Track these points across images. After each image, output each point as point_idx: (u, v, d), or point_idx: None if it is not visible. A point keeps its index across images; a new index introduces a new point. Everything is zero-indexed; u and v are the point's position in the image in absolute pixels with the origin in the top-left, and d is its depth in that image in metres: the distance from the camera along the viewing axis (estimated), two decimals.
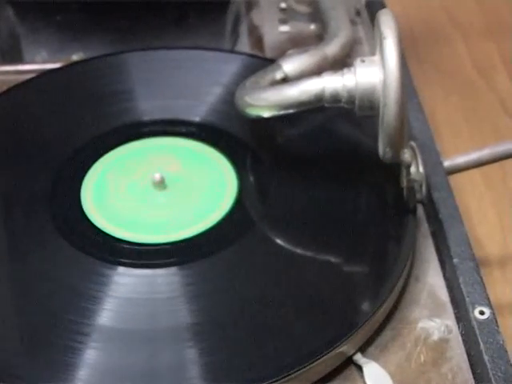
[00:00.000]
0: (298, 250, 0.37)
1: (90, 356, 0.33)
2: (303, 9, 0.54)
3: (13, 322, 0.35)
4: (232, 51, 0.52)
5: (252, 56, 0.49)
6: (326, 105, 0.38)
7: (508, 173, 0.55)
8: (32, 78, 0.48)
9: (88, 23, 0.60)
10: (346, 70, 0.37)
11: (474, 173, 0.48)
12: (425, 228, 0.40)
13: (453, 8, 0.74)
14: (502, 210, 0.53)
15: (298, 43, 0.52)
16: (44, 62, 0.56)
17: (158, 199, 0.40)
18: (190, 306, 0.35)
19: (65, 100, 0.46)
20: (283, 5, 0.55)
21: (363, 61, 0.37)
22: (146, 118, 0.45)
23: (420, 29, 0.74)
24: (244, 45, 0.54)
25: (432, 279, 0.38)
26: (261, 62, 0.45)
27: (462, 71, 0.68)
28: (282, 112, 0.39)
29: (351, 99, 0.37)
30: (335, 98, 0.37)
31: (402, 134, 0.37)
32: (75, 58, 0.55)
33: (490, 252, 0.49)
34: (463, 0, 0.75)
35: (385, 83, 0.35)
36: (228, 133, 0.43)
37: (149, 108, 0.45)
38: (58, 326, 0.34)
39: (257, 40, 0.52)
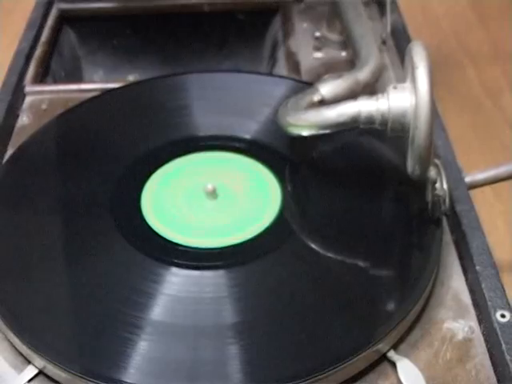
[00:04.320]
0: (337, 258, 0.37)
1: (143, 347, 0.33)
2: (335, 37, 0.54)
3: (77, 314, 0.35)
4: (279, 76, 0.52)
5: (295, 80, 0.49)
6: (361, 126, 0.38)
7: None
8: (99, 96, 0.48)
9: (140, 47, 0.61)
10: (379, 95, 0.37)
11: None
12: (447, 237, 0.40)
13: (463, 36, 0.74)
14: (511, 219, 0.53)
15: (330, 68, 0.52)
16: (104, 81, 0.56)
17: (210, 207, 0.40)
18: (234, 306, 0.35)
19: (128, 115, 0.46)
20: (317, 33, 0.55)
21: (395, 87, 0.37)
22: (202, 133, 0.45)
23: (433, 54, 0.73)
24: (281, 69, 0.54)
25: (455, 283, 0.38)
26: (302, 86, 0.45)
27: (472, 93, 0.67)
28: (320, 131, 0.39)
29: (384, 122, 0.37)
30: (370, 120, 0.37)
31: (429, 154, 0.36)
32: (131, 78, 0.56)
33: (502, 258, 0.48)
34: (472, 28, 0.75)
35: (417, 108, 0.35)
36: (275, 149, 0.43)
37: (204, 124, 0.45)
38: (116, 318, 0.34)
39: (294, 65, 0.52)
